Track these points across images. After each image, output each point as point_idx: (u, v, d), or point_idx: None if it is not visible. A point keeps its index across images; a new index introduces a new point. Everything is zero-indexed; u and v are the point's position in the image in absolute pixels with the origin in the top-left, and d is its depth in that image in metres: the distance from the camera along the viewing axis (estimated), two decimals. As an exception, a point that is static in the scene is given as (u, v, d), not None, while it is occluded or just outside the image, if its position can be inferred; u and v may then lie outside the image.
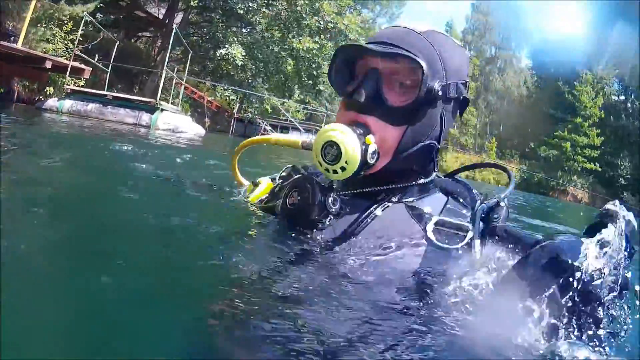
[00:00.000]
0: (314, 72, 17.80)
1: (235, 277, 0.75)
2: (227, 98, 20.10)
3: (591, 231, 0.69)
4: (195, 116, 16.63)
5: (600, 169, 36.09)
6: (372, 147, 0.89)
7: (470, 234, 0.87)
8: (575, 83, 36.72)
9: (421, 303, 0.73)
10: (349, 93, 0.94)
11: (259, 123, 21.18)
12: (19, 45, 9.28)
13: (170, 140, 7.13)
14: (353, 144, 0.87)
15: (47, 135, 4.13)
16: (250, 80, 18.14)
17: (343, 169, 0.88)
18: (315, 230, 0.91)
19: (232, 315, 0.65)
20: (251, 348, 0.60)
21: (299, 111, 22.57)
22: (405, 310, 0.70)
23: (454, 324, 0.68)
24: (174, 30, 12.85)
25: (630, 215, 0.70)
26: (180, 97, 15.36)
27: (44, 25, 12.25)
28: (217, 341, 0.61)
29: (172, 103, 13.47)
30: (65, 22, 12.74)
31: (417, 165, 0.98)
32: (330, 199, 0.92)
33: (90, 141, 4.01)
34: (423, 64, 0.89)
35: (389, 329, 0.65)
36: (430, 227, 0.90)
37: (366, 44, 0.95)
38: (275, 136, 1.14)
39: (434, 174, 1.02)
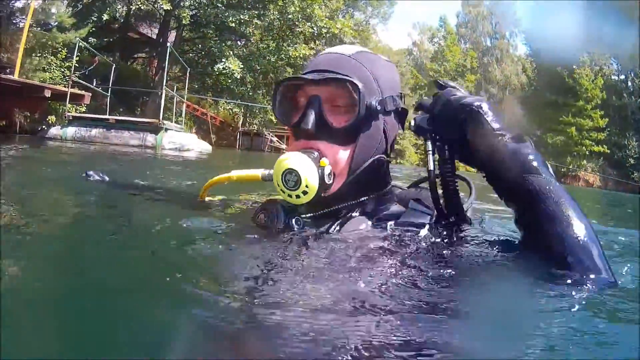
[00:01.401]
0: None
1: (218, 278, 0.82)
2: (230, 112, 20.03)
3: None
4: (201, 133, 16.42)
5: (608, 151, 35.73)
6: (328, 169, 0.98)
7: (424, 231, 0.95)
8: (573, 67, 36.30)
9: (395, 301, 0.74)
10: (296, 123, 1.02)
11: (265, 134, 21.21)
12: (15, 77, 9.08)
13: (177, 158, 6.95)
14: (310, 168, 0.95)
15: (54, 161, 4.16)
16: (250, 93, 17.94)
17: (305, 192, 0.95)
18: (282, 242, 0.94)
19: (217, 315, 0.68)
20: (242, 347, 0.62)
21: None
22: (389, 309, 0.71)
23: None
24: (168, 49, 12.75)
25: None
26: (183, 115, 15.11)
27: (39, 55, 12.19)
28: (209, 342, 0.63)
29: (175, 122, 13.28)
30: (59, 49, 12.71)
31: (370, 180, 1.06)
32: (293, 220, 0.99)
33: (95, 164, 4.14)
34: (358, 83, 0.98)
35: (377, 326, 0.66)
36: (390, 226, 1.00)
37: (304, 73, 1.04)
38: (236, 173, 1.19)
39: (389, 185, 1.12)
